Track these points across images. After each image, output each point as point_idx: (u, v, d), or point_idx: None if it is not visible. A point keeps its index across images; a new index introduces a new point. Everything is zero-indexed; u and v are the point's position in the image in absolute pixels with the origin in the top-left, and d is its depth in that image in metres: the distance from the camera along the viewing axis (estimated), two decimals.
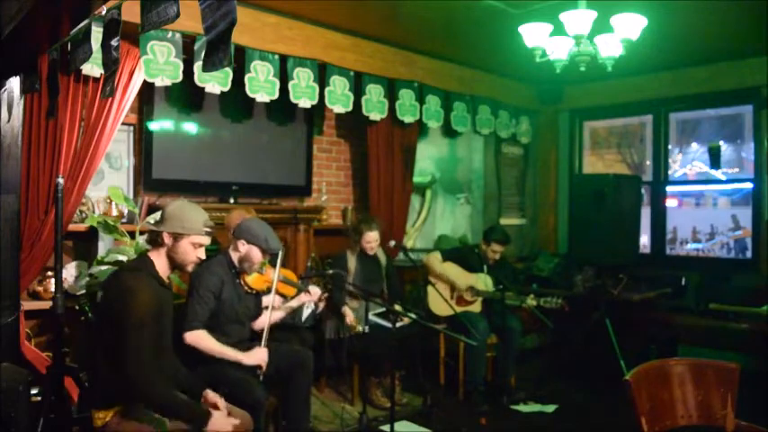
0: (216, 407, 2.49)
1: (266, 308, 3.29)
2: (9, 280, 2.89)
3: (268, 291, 3.32)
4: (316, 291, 3.47)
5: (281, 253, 3.24)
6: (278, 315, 3.37)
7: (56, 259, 2.97)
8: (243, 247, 3.13)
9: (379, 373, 4.30)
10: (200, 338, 2.97)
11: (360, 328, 3.94)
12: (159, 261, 2.44)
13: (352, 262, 4.36)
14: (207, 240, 2.47)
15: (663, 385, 2.37)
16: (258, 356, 3.02)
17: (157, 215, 2.64)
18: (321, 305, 3.65)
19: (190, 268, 2.48)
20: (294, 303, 3.48)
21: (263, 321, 3.24)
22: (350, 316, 4.17)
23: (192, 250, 2.43)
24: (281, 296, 3.46)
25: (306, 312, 3.83)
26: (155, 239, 2.43)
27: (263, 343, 3.10)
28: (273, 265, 3.31)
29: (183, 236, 2.40)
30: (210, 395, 2.54)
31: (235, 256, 3.17)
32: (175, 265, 2.45)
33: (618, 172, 6.29)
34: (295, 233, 4.63)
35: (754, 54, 4.91)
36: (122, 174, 4.09)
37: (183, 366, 2.67)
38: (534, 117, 6.38)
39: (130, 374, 2.22)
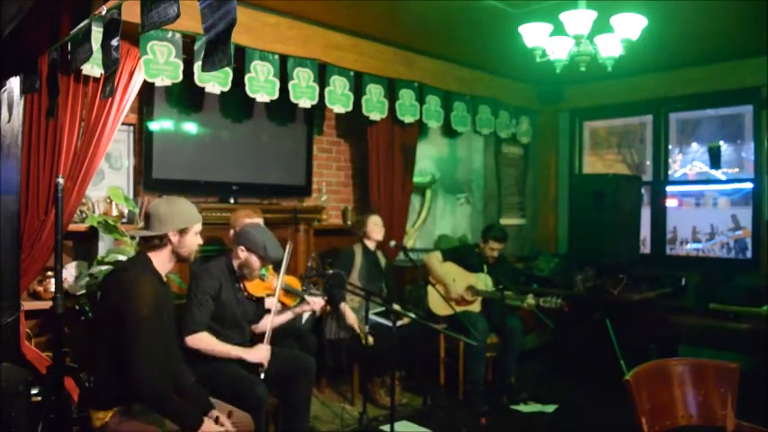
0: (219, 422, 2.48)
1: (269, 311, 3.29)
2: (9, 280, 2.88)
3: (269, 297, 3.32)
4: (318, 301, 3.47)
5: (285, 260, 3.22)
6: (279, 320, 3.37)
7: (56, 259, 2.97)
8: (242, 253, 3.13)
9: (381, 371, 4.30)
10: (200, 341, 2.98)
11: (365, 340, 3.92)
12: (157, 261, 2.45)
13: (358, 257, 4.42)
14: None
15: (663, 385, 2.38)
16: (260, 354, 3.03)
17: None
18: (320, 312, 3.66)
19: (192, 258, 2.54)
20: (292, 314, 3.48)
21: (265, 324, 3.24)
22: (350, 316, 4.17)
23: (196, 239, 2.50)
24: (282, 305, 3.43)
25: (306, 315, 3.83)
26: (157, 243, 2.43)
27: (266, 341, 3.10)
28: (277, 269, 3.29)
29: (188, 229, 2.46)
30: (215, 414, 2.51)
31: (235, 263, 3.17)
32: (182, 258, 2.49)
33: (618, 172, 6.29)
34: (295, 233, 4.63)
35: (754, 54, 4.90)
36: (122, 174, 4.09)
37: (191, 374, 2.66)
38: (534, 117, 6.38)
39: (138, 371, 2.21)
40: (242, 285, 3.20)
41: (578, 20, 3.20)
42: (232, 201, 4.38)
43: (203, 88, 3.76)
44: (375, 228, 4.43)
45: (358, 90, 4.56)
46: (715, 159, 5.57)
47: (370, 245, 4.48)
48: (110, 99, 3.34)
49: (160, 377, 2.27)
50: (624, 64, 3.70)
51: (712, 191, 6.09)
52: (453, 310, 4.35)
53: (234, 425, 2.53)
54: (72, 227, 3.53)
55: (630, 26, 3.24)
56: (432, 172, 5.95)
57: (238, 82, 3.87)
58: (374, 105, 4.69)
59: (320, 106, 4.46)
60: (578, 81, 5.81)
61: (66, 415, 2.79)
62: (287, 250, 3.30)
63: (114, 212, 3.80)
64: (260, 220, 3.63)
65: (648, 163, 6.18)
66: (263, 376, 3.00)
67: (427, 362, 4.56)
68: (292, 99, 4.16)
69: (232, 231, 3.67)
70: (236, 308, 3.15)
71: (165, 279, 2.49)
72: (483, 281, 4.62)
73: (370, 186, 4.99)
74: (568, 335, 5.10)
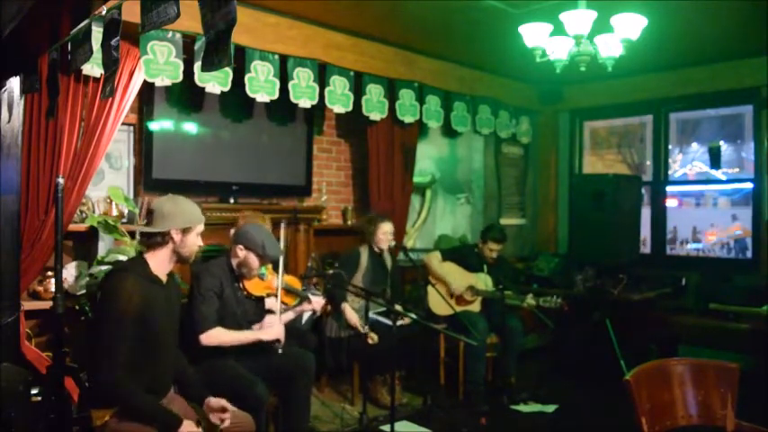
0: (224, 410, 2.47)
1: (270, 311, 3.29)
2: (9, 280, 2.88)
3: (268, 296, 3.32)
4: (318, 301, 3.48)
5: (281, 260, 3.23)
6: (283, 318, 3.37)
7: (56, 259, 2.97)
8: (241, 252, 3.14)
9: (381, 371, 4.30)
10: (214, 336, 3.00)
11: (372, 339, 3.96)
12: (156, 260, 2.43)
13: (364, 258, 4.39)
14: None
15: (663, 385, 2.38)
16: (275, 330, 3.11)
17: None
18: (320, 311, 3.66)
19: (192, 258, 2.53)
20: (293, 314, 3.48)
21: (266, 324, 3.24)
22: (351, 315, 4.16)
23: (197, 240, 2.49)
24: (283, 304, 3.44)
25: (306, 315, 3.83)
26: (158, 241, 2.42)
27: (278, 318, 3.13)
28: (276, 269, 3.29)
29: (191, 228, 2.45)
30: (213, 401, 2.50)
31: (234, 261, 3.18)
32: (182, 258, 2.47)
33: (618, 172, 6.29)
34: (295, 233, 4.63)
35: (754, 54, 4.90)
36: (122, 174, 4.09)
37: (189, 367, 2.67)
38: (534, 117, 6.38)
39: (100, 376, 2.23)
40: (241, 285, 3.20)
41: (578, 20, 3.20)
42: (232, 201, 4.38)
43: (203, 88, 3.76)
44: (383, 237, 4.37)
45: (358, 90, 4.56)
46: (715, 159, 5.57)
47: (377, 249, 4.47)
48: (110, 99, 3.34)
49: (126, 381, 2.23)
50: (624, 64, 3.69)
51: (712, 191, 6.09)
52: (453, 310, 4.34)
53: (234, 425, 2.53)
54: (72, 227, 3.53)
55: (630, 26, 3.24)
56: (432, 172, 5.95)
57: (238, 82, 3.87)
58: (374, 105, 4.69)
59: (320, 106, 4.46)
60: (578, 81, 5.81)
61: (66, 415, 2.78)
62: (281, 238, 3.30)
63: (114, 212, 3.80)
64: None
65: (648, 163, 6.18)
66: (280, 351, 3.09)
67: (427, 362, 4.56)
68: (292, 99, 4.16)
69: (232, 231, 3.67)
70: (236, 307, 3.15)
71: (164, 279, 2.47)
72: (483, 281, 4.62)
73: (370, 186, 4.99)
74: (568, 335, 5.10)
